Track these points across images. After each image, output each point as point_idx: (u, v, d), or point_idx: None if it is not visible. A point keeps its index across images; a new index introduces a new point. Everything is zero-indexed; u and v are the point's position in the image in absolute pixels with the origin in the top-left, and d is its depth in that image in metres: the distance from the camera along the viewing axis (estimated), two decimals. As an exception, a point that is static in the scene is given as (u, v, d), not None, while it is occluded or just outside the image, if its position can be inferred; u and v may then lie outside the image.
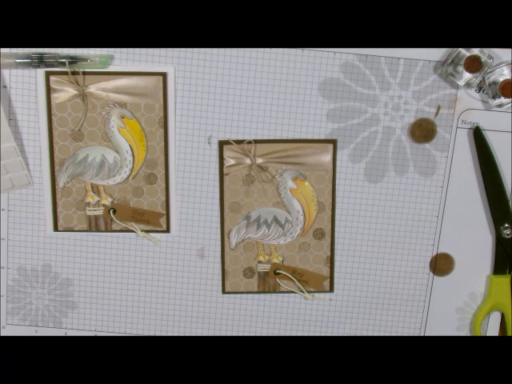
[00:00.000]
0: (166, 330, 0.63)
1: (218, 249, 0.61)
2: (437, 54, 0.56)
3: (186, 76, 0.57)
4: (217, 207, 0.60)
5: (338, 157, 0.59)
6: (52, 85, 0.57)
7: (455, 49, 0.55)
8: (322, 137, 0.58)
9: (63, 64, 0.55)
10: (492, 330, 0.63)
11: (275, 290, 0.62)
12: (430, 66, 0.57)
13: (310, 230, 0.60)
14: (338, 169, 0.59)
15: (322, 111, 0.58)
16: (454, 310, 0.62)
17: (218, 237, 0.60)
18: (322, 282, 0.61)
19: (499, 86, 0.55)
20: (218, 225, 0.60)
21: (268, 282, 0.61)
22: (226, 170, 0.59)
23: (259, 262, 0.61)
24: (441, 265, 0.61)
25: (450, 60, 0.55)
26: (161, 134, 0.58)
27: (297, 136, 0.58)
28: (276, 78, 0.57)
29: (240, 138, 0.58)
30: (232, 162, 0.59)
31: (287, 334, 0.63)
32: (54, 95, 0.57)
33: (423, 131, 0.58)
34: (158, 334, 0.63)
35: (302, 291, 0.61)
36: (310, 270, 0.61)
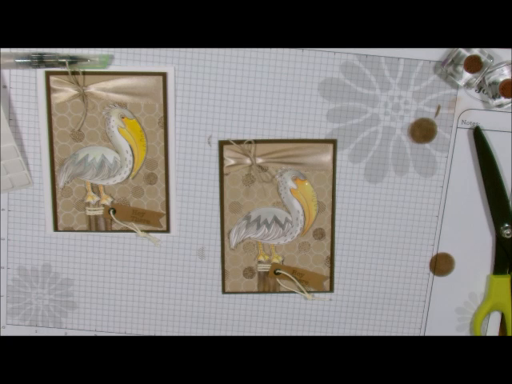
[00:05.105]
0: (165, 330, 0.63)
1: (218, 249, 0.61)
2: (437, 54, 0.56)
3: (186, 76, 0.57)
4: (217, 207, 0.60)
5: (338, 157, 0.59)
6: (52, 85, 0.57)
7: (455, 49, 0.55)
8: (322, 137, 0.58)
9: (63, 64, 0.55)
10: (492, 329, 0.63)
11: (275, 290, 0.62)
12: (429, 66, 0.57)
13: (310, 230, 0.60)
14: (338, 169, 0.59)
15: (322, 111, 0.58)
16: (453, 310, 0.62)
17: (218, 237, 0.60)
18: (322, 281, 0.61)
19: (499, 85, 0.55)
20: (218, 225, 0.60)
21: (268, 281, 0.61)
22: (225, 170, 0.59)
23: (259, 261, 0.61)
24: (441, 265, 0.61)
25: (450, 60, 0.55)
26: (161, 134, 0.58)
27: (297, 136, 0.58)
28: (276, 77, 0.57)
29: (240, 138, 0.58)
30: (232, 161, 0.59)
31: (287, 334, 0.63)
32: (54, 95, 0.57)
33: (423, 131, 0.58)
34: (158, 334, 0.63)
35: (302, 291, 0.61)
36: (310, 270, 0.61)
